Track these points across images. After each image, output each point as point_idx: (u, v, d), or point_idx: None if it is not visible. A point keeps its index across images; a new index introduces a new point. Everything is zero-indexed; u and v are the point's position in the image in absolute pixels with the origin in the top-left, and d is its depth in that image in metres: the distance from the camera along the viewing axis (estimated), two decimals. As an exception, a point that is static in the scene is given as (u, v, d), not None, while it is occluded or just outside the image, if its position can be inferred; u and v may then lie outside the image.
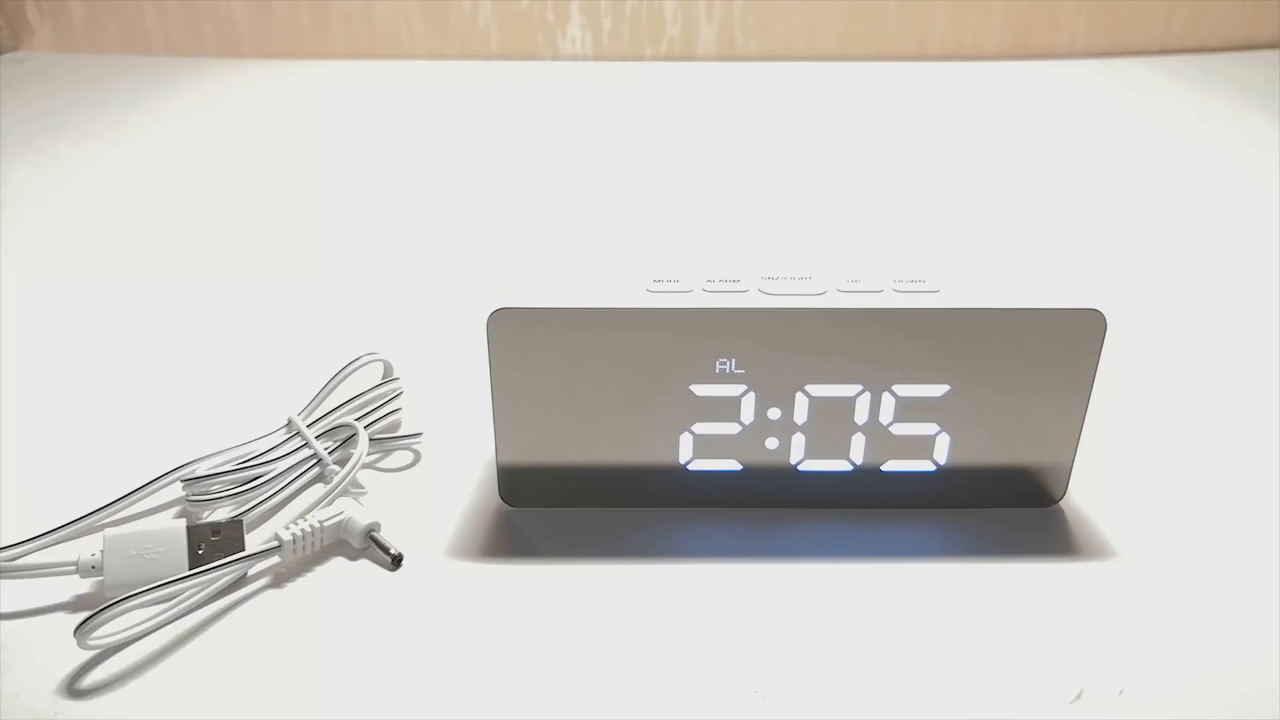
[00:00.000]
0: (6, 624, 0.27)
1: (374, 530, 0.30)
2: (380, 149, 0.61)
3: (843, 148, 0.61)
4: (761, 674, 0.26)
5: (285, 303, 0.44)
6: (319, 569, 0.29)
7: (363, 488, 0.33)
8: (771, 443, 0.30)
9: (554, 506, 0.31)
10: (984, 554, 0.30)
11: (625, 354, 0.29)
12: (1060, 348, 0.29)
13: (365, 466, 0.33)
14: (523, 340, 0.29)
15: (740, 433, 0.30)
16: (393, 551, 0.29)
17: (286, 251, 0.49)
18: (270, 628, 0.27)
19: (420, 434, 0.35)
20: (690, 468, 0.31)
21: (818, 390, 0.29)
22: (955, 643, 0.27)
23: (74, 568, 0.28)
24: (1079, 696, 0.25)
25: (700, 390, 0.29)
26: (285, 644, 0.27)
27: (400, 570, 0.29)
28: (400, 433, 0.35)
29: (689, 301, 0.28)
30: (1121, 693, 0.25)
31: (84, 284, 0.46)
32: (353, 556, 0.30)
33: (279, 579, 0.29)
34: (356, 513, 0.30)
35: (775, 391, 0.29)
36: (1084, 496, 0.32)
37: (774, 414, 0.30)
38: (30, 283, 0.46)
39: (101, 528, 0.29)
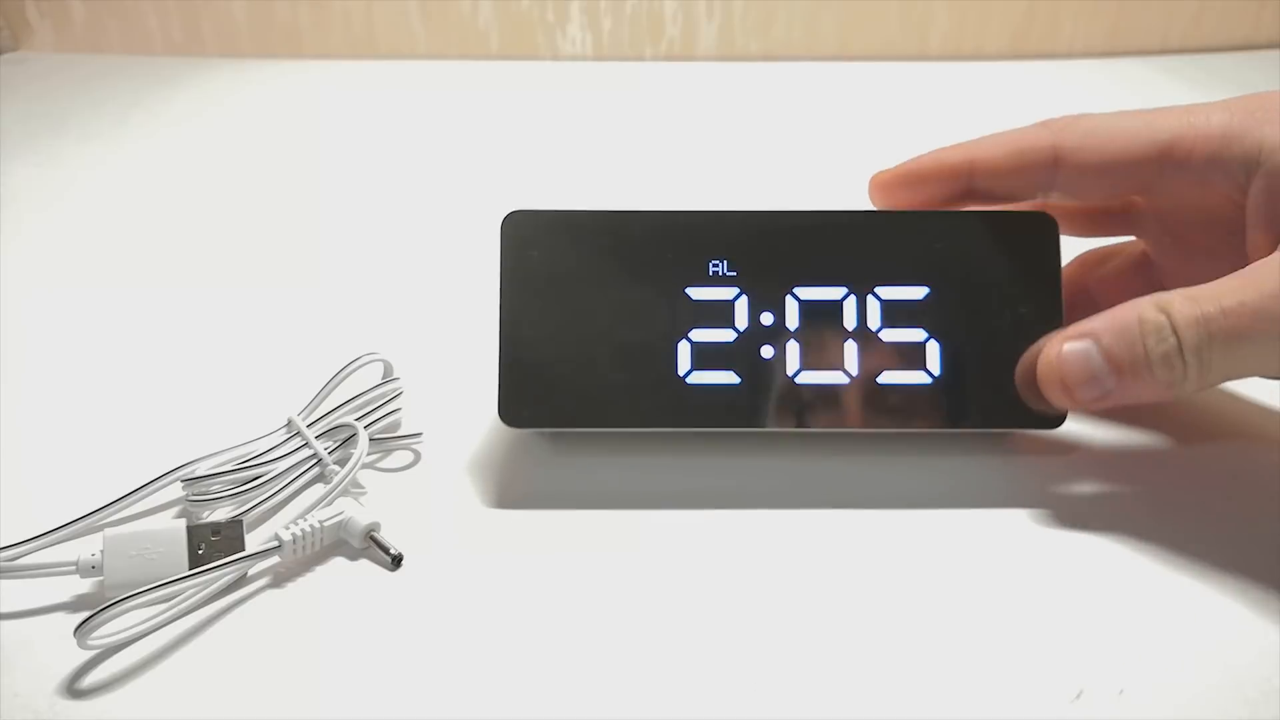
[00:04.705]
0: (6, 624, 0.27)
1: (374, 530, 0.30)
2: (380, 148, 0.61)
3: (843, 148, 0.61)
4: (761, 673, 0.26)
5: (285, 302, 0.44)
6: (319, 569, 0.29)
7: (363, 488, 0.33)
8: (767, 350, 0.31)
9: (552, 427, 0.31)
10: (984, 553, 0.30)
11: (624, 256, 0.31)
12: (1021, 249, 0.31)
13: (365, 466, 0.33)
14: (531, 243, 0.31)
15: (735, 340, 0.31)
16: (393, 551, 0.29)
17: (286, 251, 0.49)
18: (270, 628, 0.27)
19: (420, 434, 0.35)
20: (689, 380, 0.31)
21: (806, 293, 0.31)
22: (954, 642, 0.27)
23: (74, 568, 0.28)
24: (1079, 696, 0.25)
25: (695, 293, 0.31)
26: (285, 644, 0.27)
27: (400, 570, 0.29)
28: (400, 433, 0.35)
29: (685, 206, 0.32)
30: (1121, 693, 0.25)
31: (84, 283, 0.46)
32: (353, 556, 0.30)
33: (279, 579, 0.29)
34: (357, 513, 0.30)
35: (765, 293, 0.31)
36: (1084, 494, 0.32)
37: (766, 319, 0.31)
38: (31, 282, 0.46)
39: (102, 528, 0.29)
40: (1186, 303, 0.27)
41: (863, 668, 0.26)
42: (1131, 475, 0.33)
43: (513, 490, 0.32)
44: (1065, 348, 0.29)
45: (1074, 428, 0.35)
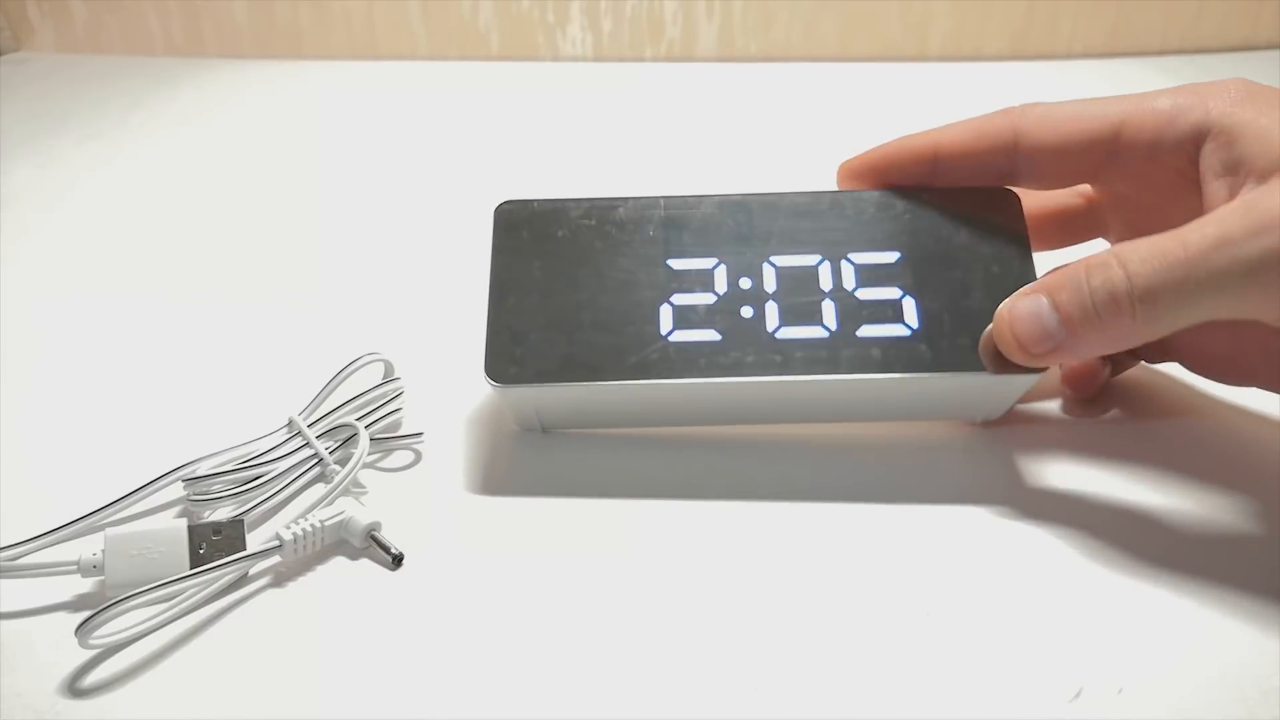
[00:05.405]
0: (8, 623, 0.27)
1: (375, 530, 0.30)
2: (381, 149, 0.61)
3: (843, 149, 0.61)
4: (759, 672, 0.26)
5: (286, 302, 0.44)
6: (319, 568, 0.29)
7: (364, 487, 0.33)
8: (746, 310, 0.32)
9: (538, 383, 0.31)
10: (984, 552, 0.30)
11: (609, 235, 0.33)
12: (988, 217, 0.33)
13: (366, 466, 0.33)
14: (521, 225, 0.34)
15: (715, 301, 0.32)
16: (393, 551, 0.29)
17: (288, 251, 0.49)
18: (270, 627, 0.27)
19: (421, 434, 0.35)
20: (672, 339, 0.32)
21: (782, 261, 0.33)
22: (954, 641, 0.27)
23: (75, 567, 0.28)
24: (1078, 695, 0.25)
25: (676, 264, 0.33)
26: (285, 644, 0.27)
27: (401, 570, 0.29)
28: (401, 433, 0.35)
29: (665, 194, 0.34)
30: (1121, 692, 0.25)
31: (85, 284, 0.46)
32: (353, 556, 0.30)
33: (279, 578, 0.29)
34: (357, 512, 0.30)
35: (744, 263, 0.33)
36: (1084, 495, 0.32)
37: (745, 284, 0.32)
38: (31, 283, 0.46)
39: (103, 527, 0.29)
40: (1143, 242, 0.28)
41: (861, 666, 0.26)
42: (1132, 476, 0.33)
43: (513, 490, 0.32)
44: (1018, 303, 0.30)
45: (1074, 428, 0.35)
